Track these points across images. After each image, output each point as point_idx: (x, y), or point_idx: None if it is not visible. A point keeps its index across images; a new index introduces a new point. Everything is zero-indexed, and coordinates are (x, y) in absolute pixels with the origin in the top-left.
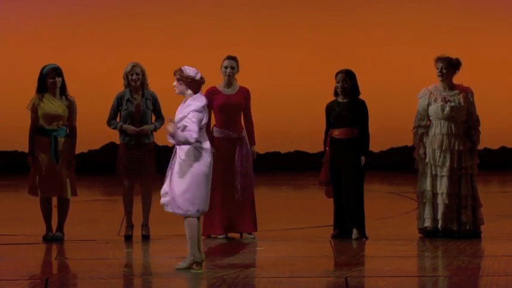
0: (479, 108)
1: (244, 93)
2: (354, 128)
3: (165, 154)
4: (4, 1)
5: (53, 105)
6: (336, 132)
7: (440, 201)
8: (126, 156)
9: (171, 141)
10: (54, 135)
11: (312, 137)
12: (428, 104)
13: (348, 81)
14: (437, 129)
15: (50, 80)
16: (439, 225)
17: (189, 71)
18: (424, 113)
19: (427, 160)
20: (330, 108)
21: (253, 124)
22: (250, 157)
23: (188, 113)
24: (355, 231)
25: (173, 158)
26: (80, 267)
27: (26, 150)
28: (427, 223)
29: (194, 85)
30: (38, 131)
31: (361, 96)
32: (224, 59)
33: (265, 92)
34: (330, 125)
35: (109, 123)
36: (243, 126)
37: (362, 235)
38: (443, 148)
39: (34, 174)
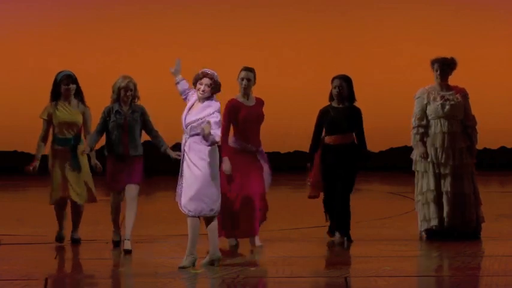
0: (479, 108)
1: (261, 104)
2: (348, 135)
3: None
4: (4, 1)
5: (68, 113)
6: (330, 139)
7: (446, 199)
8: (111, 170)
9: (205, 143)
10: (72, 144)
11: (311, 136)
12: (427, 104)
13: (344, 87)
14: (437, 127)
15: (64, 87)
16: (445, 224)
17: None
18: (422, 113)
19: (429, 159)
20: (324, 113)
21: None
22: (269, 169)
23: (212, 114)
24: (338, 234)
25: (182, 160)
26: (79, 267)
27: (26, 150)
28: (434, 222)
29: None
30: (55, 140)
31: (361, 97)
32: (241, 70)
33: (265, 92)
34: (321, 130)
35: (91, 137)
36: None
37: (347, 238)
38: (445, 146)
39: (54, 183)
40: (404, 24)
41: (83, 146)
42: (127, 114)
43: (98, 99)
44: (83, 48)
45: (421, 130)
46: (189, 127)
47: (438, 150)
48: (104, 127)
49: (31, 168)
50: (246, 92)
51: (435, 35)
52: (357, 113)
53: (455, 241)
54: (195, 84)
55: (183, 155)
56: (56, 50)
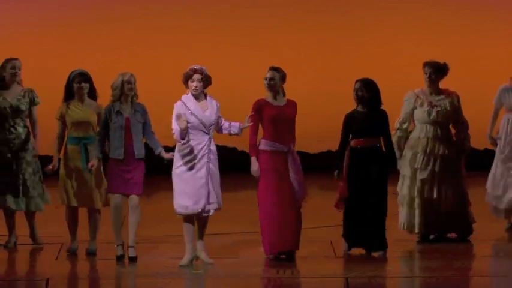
0: (479, 109)
1: (293, 105)
2: (373, 139)
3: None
4: (4, 1)
5: (80, 112)
6: (356, 142)
7: (422, 205)
8: (115, 172)
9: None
10: (83, 143)
11: (312, 137)
12: (414, 108)
13: (363, 90)
14: (422, 133)
15: (76, 85)
16: (422, 230)
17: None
18: (407, 117)
19: (406, 164)
20: (349, 118)
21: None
22: (301, 168)
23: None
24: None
25: (207, 160)
26: (80, 268)
27: None
28: (405, 227)
29: (208, 83)
30: (68, 140)
31: None
32: (267, 70)
33: (265, 93)
34: (347, 135)
35: (99, 140)
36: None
37: (383, 249)
38: (427, 152)
39: (64, 184)
40: (404, 24)
41: (92, 162)
42: (130, 114)
43: (98, 99)
44: (83, 48)
45: (400, 133)
46: (212, 127)
47: (419, 155)
48: (105, 130)
49: (51, 167)
50: (271, 91)
51: (435, 35)
52: (380, 117)
53: (455, 242)
54: (186, 83)
55: (207, 155)
56: (56, 50)
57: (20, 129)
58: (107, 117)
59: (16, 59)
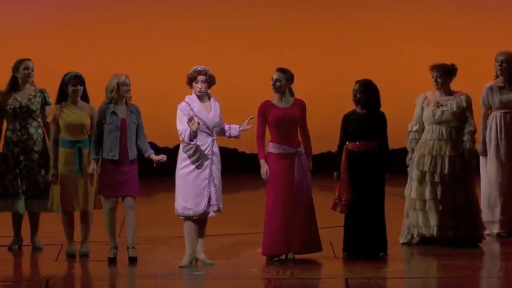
0: (478, 109)
1: (300, 106)
2: (371, 142)
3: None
4: (4, 1)
5: (75, 115)
6: (354, 145)
7: (433, 208)
8: (109, 173)
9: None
10: (78, 146)
11: (312, 137)
12: (422, 109)
13: (361, 91)
14: (429, 134)
15: (71, 88)
16: (435, 233)
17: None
18: (417, 119)
19: (413, 166)
20: (347, 119)
21: (310, 136)
22: (309, 172)
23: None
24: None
25: (210, 162)
26: (80, 269)
27: None
28: (423, 231)
29: (212, 83)
30: (61, 143)
31: None
32: (274, 71)
33: (265, 93)
34: (346, 136)
35: (94, 141)
36: (300, 140)
37: (384, 250)
38: (434, 154)
39: (58, 189)
40: (404, 24)
41: (92, 165)
42: (126, 115)
43: (98, 100)
44: (83, 48)
45: (412, 136)
46: (215, 128)
47: (426, 157)
48: (101, 131)
49: (50, 178)
50: (277, 92)
51: (435, 35)
52: (378, 119)
53: (455, 242)
54: (190, 84)
55: (210, 157)
56: (56, 50)
57: (32, 130)
58: (101, 118)
59: (29, 59)
